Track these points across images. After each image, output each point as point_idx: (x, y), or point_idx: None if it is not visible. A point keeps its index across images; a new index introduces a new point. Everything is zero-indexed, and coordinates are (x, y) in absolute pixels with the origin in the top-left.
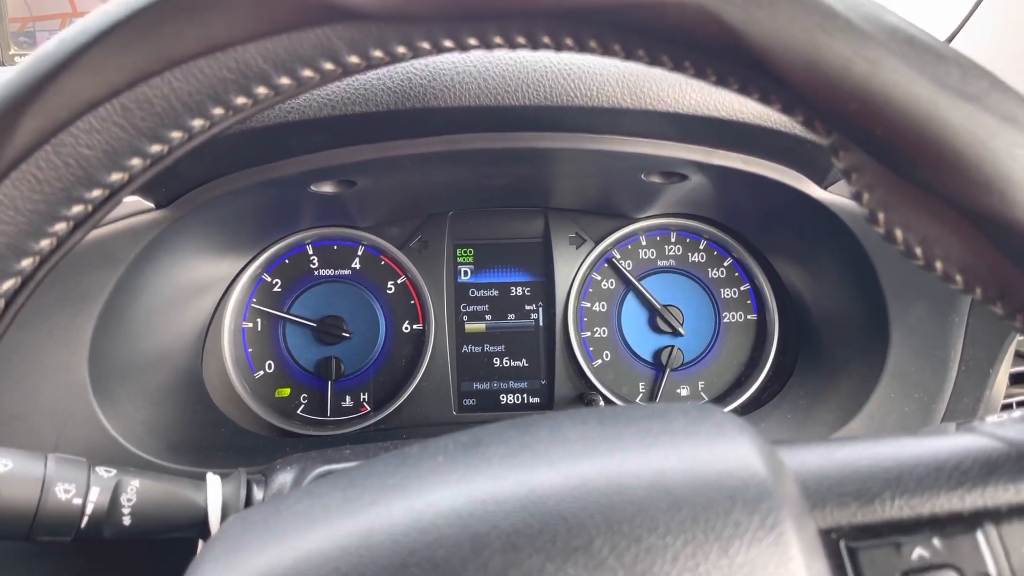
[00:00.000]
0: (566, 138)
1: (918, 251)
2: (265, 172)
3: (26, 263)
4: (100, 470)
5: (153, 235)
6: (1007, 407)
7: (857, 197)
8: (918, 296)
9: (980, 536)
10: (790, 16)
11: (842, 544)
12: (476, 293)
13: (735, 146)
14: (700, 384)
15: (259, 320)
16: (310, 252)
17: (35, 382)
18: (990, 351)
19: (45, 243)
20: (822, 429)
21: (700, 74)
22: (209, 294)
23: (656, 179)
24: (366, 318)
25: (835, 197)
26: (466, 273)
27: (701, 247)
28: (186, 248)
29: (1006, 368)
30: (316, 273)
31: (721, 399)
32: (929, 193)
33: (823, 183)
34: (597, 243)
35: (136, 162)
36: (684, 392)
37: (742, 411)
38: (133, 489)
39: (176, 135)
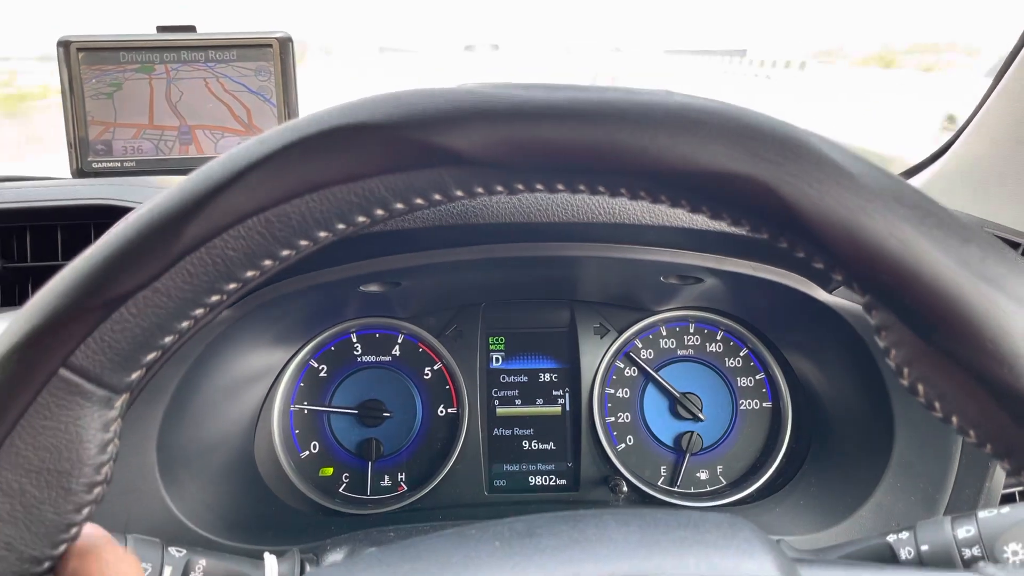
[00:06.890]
0: (591, 247)
1: (937, 405)
2: (321, 276)
3: (168, 339)
4: (172, 550)
5: (216, 333)
6: (1007, 498)
7: (886, 352)
8: None
9: None
10: (837, 197)
11: None
12: (507, 379)
13: (745, 254)
14: (719, 468)
15: (306, 403)
16: (354, 340)
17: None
18: None
19: (185, 324)
20: (833, 517)
21: (756, 231)
22: (262, 381)
23: (674, 280)
24: (404, 402)
25: (840, 300)
26: (497, 360)
27: (718, 337)
28: (244, 342)
29: None
30: (359, 359)
31: (738, 483)
32: (948, 358)
33: (828, 288)
34: (620, 333)
35: (268, 263)
36: (703, 476)
37: (758, 495)
38: (200, 568)
39: (303, 243)
